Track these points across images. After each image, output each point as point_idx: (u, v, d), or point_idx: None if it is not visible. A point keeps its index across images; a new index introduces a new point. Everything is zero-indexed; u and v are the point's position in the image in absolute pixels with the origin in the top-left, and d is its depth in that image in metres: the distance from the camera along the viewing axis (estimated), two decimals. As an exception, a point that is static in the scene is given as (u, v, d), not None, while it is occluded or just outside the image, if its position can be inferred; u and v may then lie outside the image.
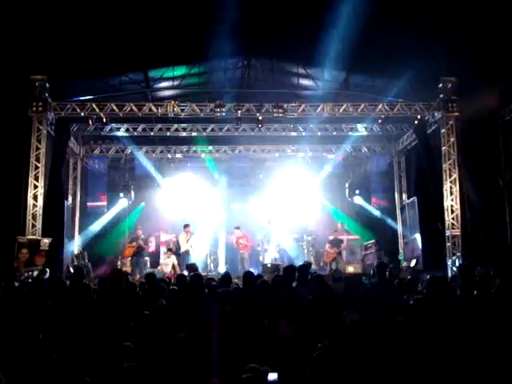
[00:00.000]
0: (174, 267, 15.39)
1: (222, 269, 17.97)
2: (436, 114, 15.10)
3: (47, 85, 14.02)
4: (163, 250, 18.08)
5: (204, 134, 17.26)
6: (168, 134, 17.16)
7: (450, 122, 14.80)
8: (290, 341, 5.04)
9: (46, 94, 14.04)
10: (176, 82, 16.93)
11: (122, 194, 18.25)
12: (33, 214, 13.77)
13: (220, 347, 4.48)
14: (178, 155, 19.14)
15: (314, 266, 16.89)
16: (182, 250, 16.12)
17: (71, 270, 14.45)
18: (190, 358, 4.37)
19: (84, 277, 7.71)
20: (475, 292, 6.80)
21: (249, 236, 17.49)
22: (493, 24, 11.98)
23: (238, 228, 17.24)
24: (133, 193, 18.50)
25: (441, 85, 14.67)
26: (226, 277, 7.81)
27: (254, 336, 4.97)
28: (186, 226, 16.75)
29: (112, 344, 4.62)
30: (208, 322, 5.11)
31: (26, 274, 10.46)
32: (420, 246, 15.92)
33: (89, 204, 18.15)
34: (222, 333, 4.80)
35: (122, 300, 6.36)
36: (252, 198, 21.27)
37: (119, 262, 17.12)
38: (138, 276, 14.58)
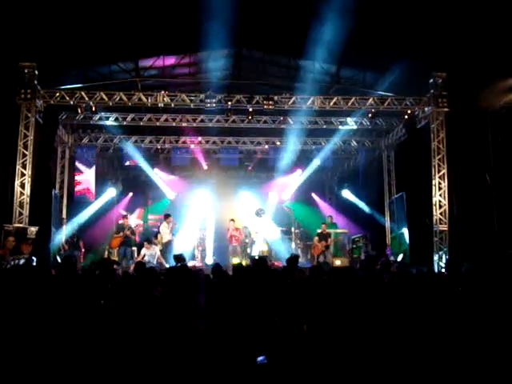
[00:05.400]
0: (158, 259, 14.98)
1: (209, 260, 18.01)
2: (426, 109, 15.12)
3: (36, 72, 13.82)
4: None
5: (194, 124, 17.18)
6: (157, 123, 17.02)
7: (440, 118, 14.83)
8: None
9: (35, 82, 13.86)
10: (166, 72, 16.86)
11: (110, 183, 18.13)
12: (20, 201, 13.63)
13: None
14: (167, 145, 19.03)
15: (301, 259, 16.97)
16: (165, 240, 16.01)
17: (58, 258, 14.37)
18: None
19: (74, 266, 7.63)
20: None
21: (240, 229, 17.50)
22: (485, 19, 12.03)
23: (233, 220, 17.26)
24: (121, 182, 18.42)
25: (432, 80, 14.69)
26: (217, 268, 7.69)
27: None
28: (167, 216, 16.68)
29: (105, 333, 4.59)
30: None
31: (13, 262, 10.35)
32: (407, 240, 16.01)
33: (76, 193, 18.01)
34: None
35: (113, 289, 6.32)
36: (241, 190, 21.35)
37: (106, 252, 17.03)
38: (125, 266, 14.45)
